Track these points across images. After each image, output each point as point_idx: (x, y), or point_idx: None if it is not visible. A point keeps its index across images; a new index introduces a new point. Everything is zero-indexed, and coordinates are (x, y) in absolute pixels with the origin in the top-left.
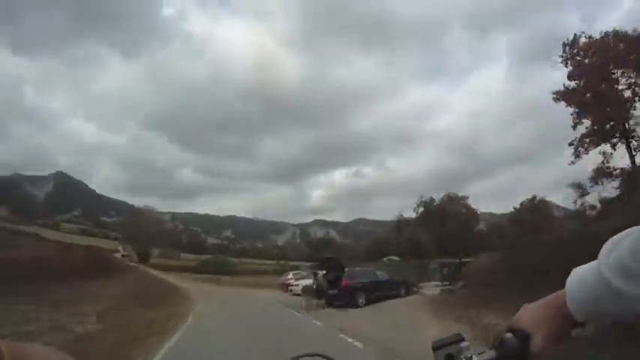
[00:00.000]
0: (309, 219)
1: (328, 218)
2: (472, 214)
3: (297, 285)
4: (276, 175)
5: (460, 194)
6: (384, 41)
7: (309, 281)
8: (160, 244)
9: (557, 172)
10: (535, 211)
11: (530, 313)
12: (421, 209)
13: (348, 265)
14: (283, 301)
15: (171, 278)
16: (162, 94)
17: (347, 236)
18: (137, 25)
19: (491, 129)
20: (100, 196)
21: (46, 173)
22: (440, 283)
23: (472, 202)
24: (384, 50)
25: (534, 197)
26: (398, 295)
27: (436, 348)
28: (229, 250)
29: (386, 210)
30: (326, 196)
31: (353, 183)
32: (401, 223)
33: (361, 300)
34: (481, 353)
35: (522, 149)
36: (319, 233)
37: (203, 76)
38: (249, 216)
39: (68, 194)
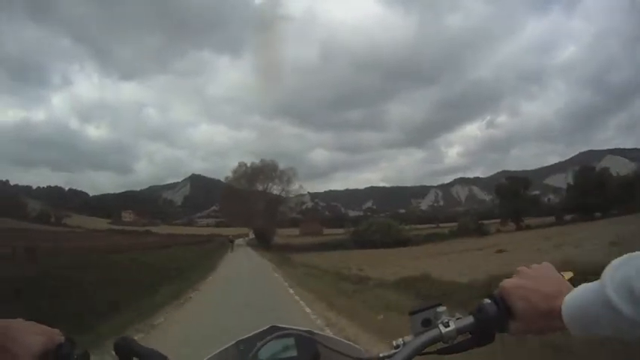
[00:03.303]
0: (449, 179)
1: (468, 175)
2: None
3: None
4: (408, 139)
5: None
6: None
7: None
8: (287, 222)
9: None
10: None
11: (525, 295)
12: None
13: None
14: None
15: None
16: (278, 82)
17: (491, 191)
18: (234, 22)
19: (620, 51)
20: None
21: (181, 179)
22: None
23: None
24: None
25: None
26: None
27: (413, 313)
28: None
29: (526, 159)
30: (462, 152)
31: (487, 135)
32: None
33: None
34: (459, 318)
35: None
36: (462, 192)
37: (313, 56)
38: (387, 185)
39: (205, 193)
